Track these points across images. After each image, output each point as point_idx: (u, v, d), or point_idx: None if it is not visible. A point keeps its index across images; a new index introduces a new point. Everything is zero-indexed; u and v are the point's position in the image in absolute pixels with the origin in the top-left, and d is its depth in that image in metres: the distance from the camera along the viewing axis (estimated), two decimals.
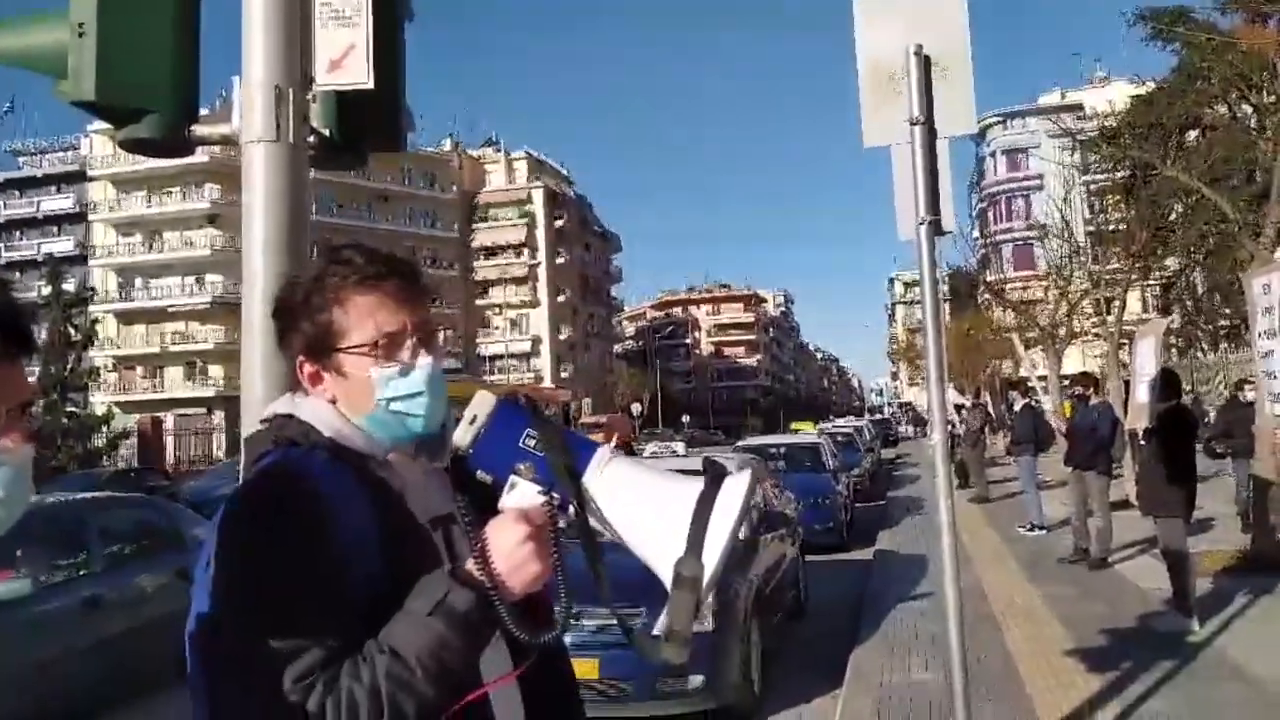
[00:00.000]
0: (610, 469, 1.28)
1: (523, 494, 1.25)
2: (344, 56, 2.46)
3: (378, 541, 1.24)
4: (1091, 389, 10.64)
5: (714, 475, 1.25)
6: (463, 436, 1.29)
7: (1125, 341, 14.89)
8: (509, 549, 1.21)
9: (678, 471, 1.35)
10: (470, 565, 1.21)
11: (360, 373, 1.34)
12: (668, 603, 1.21)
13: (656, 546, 1.23)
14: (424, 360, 1.36)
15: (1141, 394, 8.13)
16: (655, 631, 1.25)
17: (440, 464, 1.39)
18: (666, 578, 1.21)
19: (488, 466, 1.29)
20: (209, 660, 1.23)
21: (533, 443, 1.27)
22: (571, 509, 1.25)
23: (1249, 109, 12.73)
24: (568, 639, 5.02)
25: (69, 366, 34.80)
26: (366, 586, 1.20)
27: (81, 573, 6.56)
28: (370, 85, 2.50)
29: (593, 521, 1.27)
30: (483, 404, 1.29)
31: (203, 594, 1.24)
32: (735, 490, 1.23)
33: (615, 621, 4.29)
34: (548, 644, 1.26)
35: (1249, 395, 12.10)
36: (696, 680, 5.36)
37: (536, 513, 1.23)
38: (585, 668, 5.14)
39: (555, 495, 1.25)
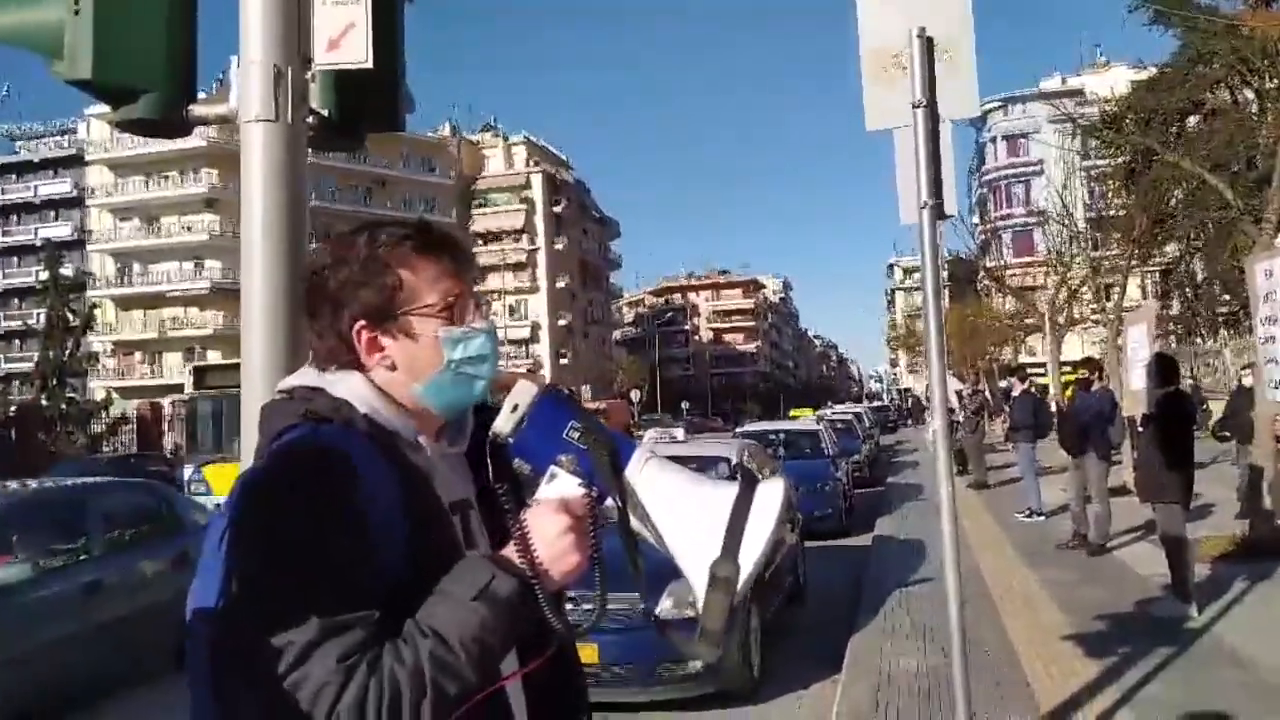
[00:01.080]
0: (649, 469, 1.29)
1: (562, 485, 1.25)
2: (343, 35, 2.43)
3: (405, 523, 1.22)
4: (1094, 375, 10.65)
5: (748, 480, 1.27)
6: (505, 424, 1.28)
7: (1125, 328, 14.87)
8: (551, 538, 1.21)
9: (710, 474, 1.37)
10: (510, 552, 1.21)
11: (430, 334, 1.33)
12: (704, 603, 1.22)
13: (692, 546, 1.24)
14: (488, 323, 1.39)
15: (1136, 380, 8.12)
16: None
17: (459, 449, 1.38)
18: (699, 577, 1.22)
19: (528, 456, 1.29)
20: (221, 642, 1.20)
21: (577, 435, 1.27)
22: (610, 503, 1.26)
23: (1250, 94, 12.68)
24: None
25: (67, 352, 34.75)
26: (392, 568, 1.19)
27: (81, 558, 6.55)
28: (369, 65, 2.47)
29: (631, 518, 1.28)
30: (525, 393, 1.29)
31: (211, 574, 1.21)
32: (772, 496, 1.25)
33: (630, 608, 4.28)
34: (562, 637, 1.26)
35: (1249, 380, 12.10)
36: (696, 664, 5.38)
37: (577, 504, 1.23)
38: (586, 652, 5.15)
39: (595, 489, 1.25)
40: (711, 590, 1.21)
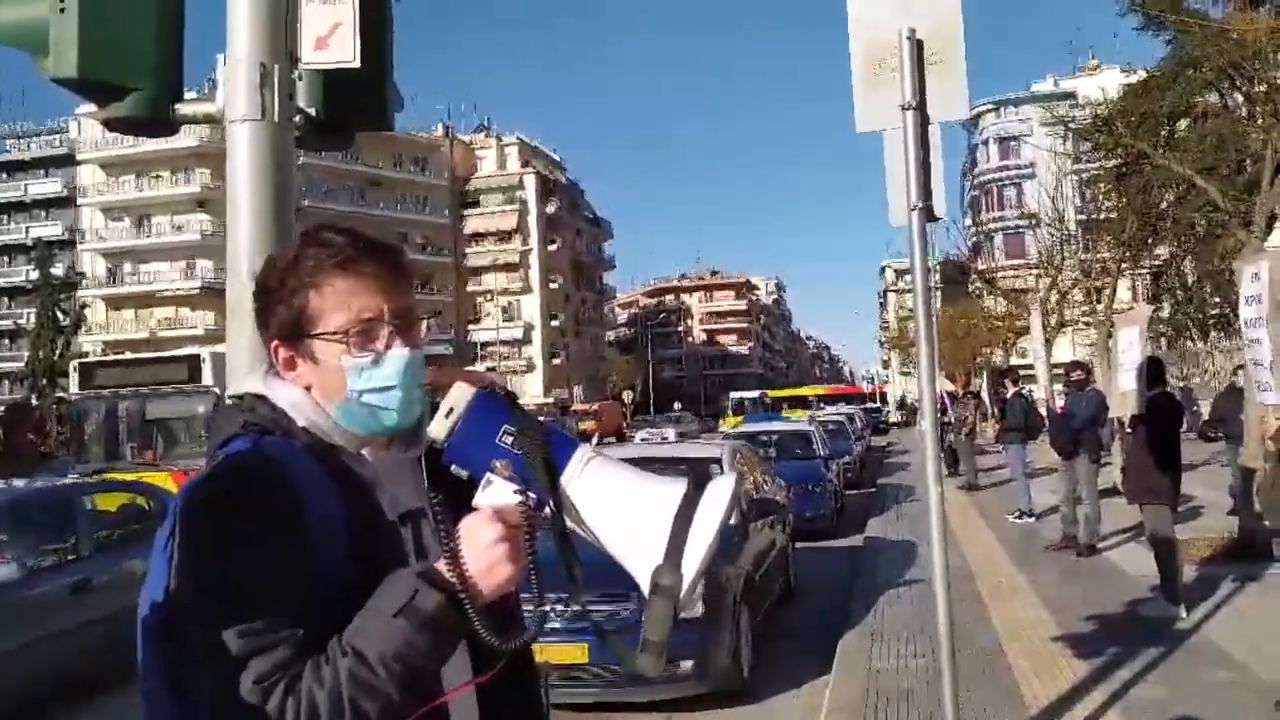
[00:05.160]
0: (590, 469, 1.23)
1: (498, 492, 1.20)
2: (330, 34, 2.42)
3: (347, 537, 1.20)
4: (1086, 376, 10.69)
5: (697, 480, 1.21)
6: (439, 430, 1.24)
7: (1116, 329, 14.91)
8: (481, 549, 1.15)
9: (661, 469, 1.31)
10: (441, 565, 1.16)
11: (333, 360, 1.28)
12: (646, 611, 1.17)
13: (635, 552, 1.19)
14: (398, 351, 1.29)
15: (1125, 382, 8.12)
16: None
17: (415, 454, 1.33)
18: (644, 584, 1.17)
19: (463, 461, 1.24)
20: (164, 649, 1.20)
21: (510, 440, 1.21)
22: (548, 510, 1.21)
23: (1240, 98, 12.73)
24: (557, 624, 4.94)
25: (58, 352, 34.63)
26: (333, 584, 1.17)
27: (70, 557, 6.53)
28: (356, 64, 2.46)
29: (570, 524, 1.22)
30: (460, 396, 1.24)
31: (160, 578, 1.22)
32: (717, 498, 1.19)
33: (605, 608, 4.26)
34: (515, 650, 1.20)
35: (1242, 381, 12.15)
36: (686, 665, 5.38)
37: (511, 512, 1.18)
38: (575, 653, 5.15)
39: (531, 495, 1.19)
40: (654, 596, 1.15)
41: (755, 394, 55.03)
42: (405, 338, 1.31)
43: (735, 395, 55.71)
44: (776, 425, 19.37)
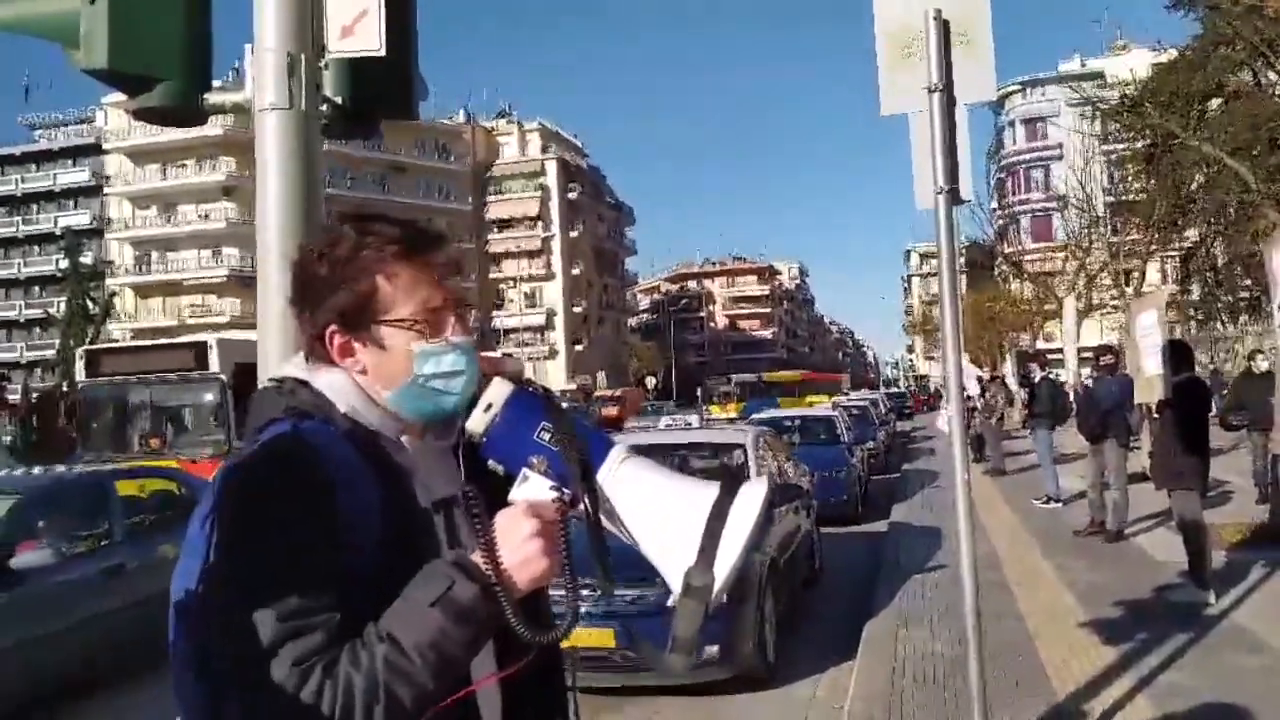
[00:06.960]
0: (624, 469, 1.26)
1: (534, 487, 1.23)
2: (356, 23, 2.44)
3: (381, 523, 1.22)
4: (1115, 360, 10.59)
5: (730, 483, 1.23)
6: (477, 424, 1.27)
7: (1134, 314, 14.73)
8: (517, 543, 1.18)
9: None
10: (477, 557, 1.18)
11: (402, 346, 1.32)
12: (676, 611, 1.20)
13: (667, 552, 1.21)
14: (466, 340, 1.34)
15: (1149, 366, 8.02)
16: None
17: (447, 442, 1.36)
18: (675, 584, 1.20)
19: (500, 457, 1.27)
20: (197, 629, 1.22)
21: (548, 436, 1.24)
22: (582, 507, 1.23)
23: (1274, 76, 12.52)
24: (585, 608, 4.96)
25: (88, 339, 35.11)
26: (368, 568, 1.19)
27: (104, 543, 6.64)
28: (382, 52, 2.48)
29: (604, 521, 1.25)
30: (498, 391, 1.27)
31: (196, 559, 1.24)
32: (751, 501, 1.21)
33: (633, 592, 4.30)
34: (542, 642, 1.21)
35: (1262, 365, 11.98)
36: (711, 650, 5.40)
37: (547, 508, 1.21)
38: (602, 637, 5.18)
39: (566, 492, 1.22)
40: (685, 597, 1.18)
41: (752, 378, 55.35)
42: (463, 325, 1.36)
43: (736, 378, 56.30)
44: (800, 411, 19.26)
